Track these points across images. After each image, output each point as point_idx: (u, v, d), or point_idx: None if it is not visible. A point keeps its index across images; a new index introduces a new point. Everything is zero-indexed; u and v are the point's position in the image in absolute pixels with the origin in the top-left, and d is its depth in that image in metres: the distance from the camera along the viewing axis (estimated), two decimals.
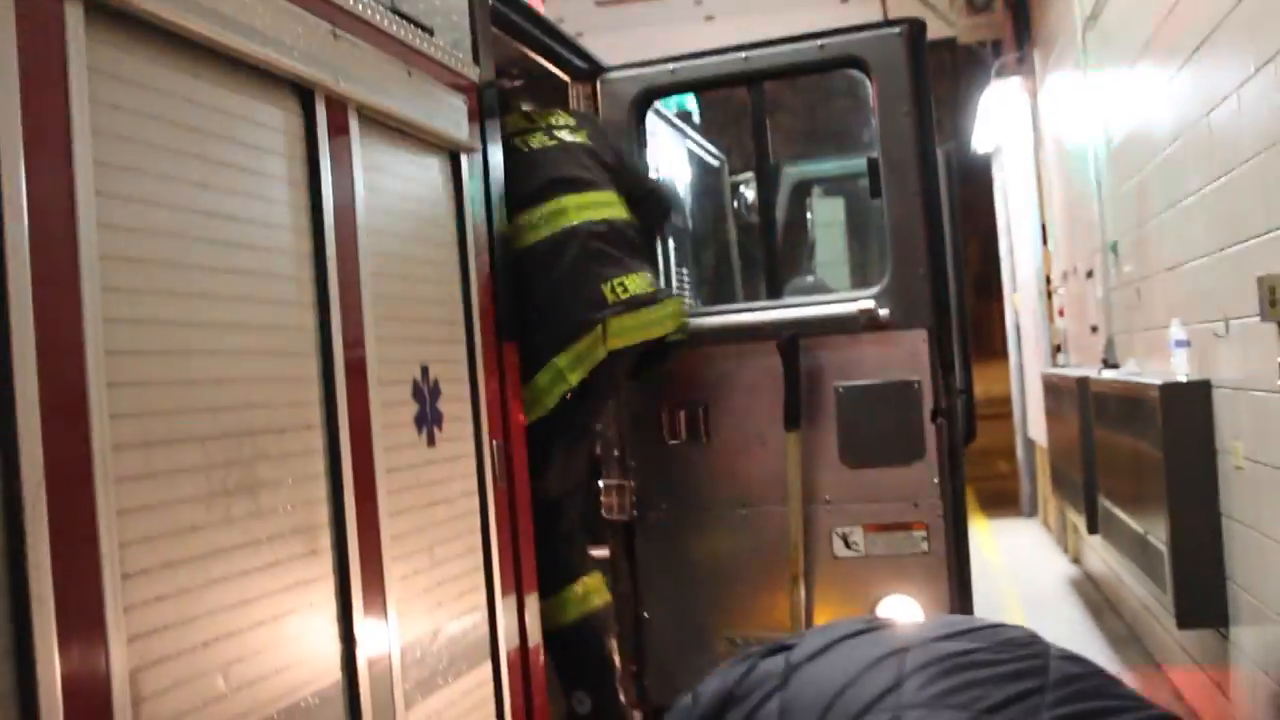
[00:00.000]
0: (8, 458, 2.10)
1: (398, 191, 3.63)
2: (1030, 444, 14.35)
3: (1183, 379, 5.91)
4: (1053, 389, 10.17)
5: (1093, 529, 8.16)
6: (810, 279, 7.74)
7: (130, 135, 2.50)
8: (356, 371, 3.21)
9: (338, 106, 3.24)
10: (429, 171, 3.87)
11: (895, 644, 1.75)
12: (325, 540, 3.04)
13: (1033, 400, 13.20)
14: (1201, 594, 5.70)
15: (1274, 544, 4.94)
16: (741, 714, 1.76)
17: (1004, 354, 15.76)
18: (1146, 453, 6.22)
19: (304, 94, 3.10)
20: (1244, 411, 5.29)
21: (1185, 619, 5.80)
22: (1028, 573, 11.30)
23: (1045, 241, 11.97)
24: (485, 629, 3.91)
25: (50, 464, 2.15)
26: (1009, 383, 15.42)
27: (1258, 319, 4.80)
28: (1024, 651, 1.75)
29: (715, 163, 8.12)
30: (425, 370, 3.67)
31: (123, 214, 2.46)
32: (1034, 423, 13.21)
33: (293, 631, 2.90)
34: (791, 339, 5.35)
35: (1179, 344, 6.08)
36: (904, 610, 5.18)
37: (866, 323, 5.35)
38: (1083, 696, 1.63)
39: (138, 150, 2.53)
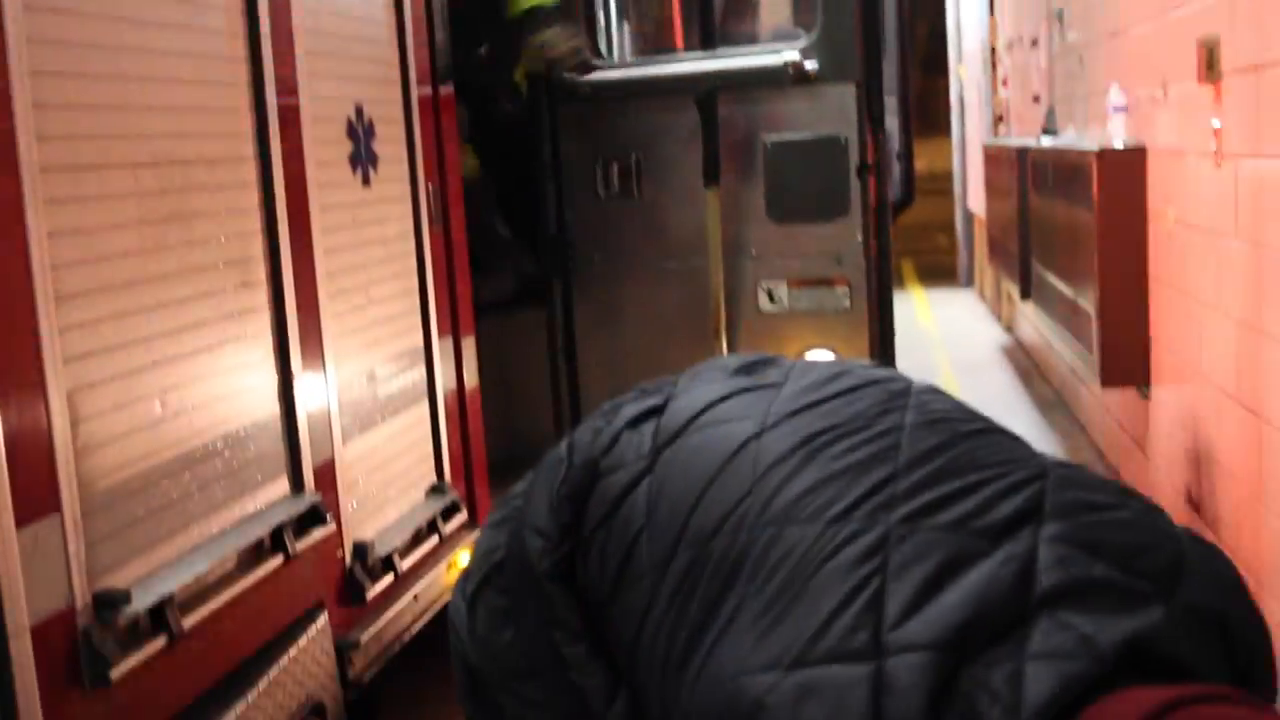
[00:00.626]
0: None
1: None
2: (969, 216, 14.45)
3: (1119, 145, 5.95)
4: (993, 160, 10.21)
5: (1026, 294, 8.30)
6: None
7: None
8: (289, 107, 3.19)
9: None
10: None
11: (756, 422, 1.66)
12: (260, 273, 3.05)
13: (973, 173, 13.23)
14: (1126, 354, 5.84)
15: (1198, 305, 5.05)
16: (612, 494, 1.67)
17: (948, 130, 15.73)
18: (1081, 218, 6.30)
19: None
20: (1176, 175, 5.35)
21: (1110, 378, 5.95)
22: (962, 340, 11.51)
23: (991, 10, 11.86)
24: (422, 369, 3.95)
25: None
26: (950, 161, 15.44)
27: (1193, 82, 4.83)
28: (880, 425, 1.60)
29: None
30: (360, 110, 3.64)
31: None
32: (974, 195, 13.25)
33: (229, 362, 2.94)
34: (709, 93, 5.29)
35: (1117, 109, 6.10)
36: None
37: (794, 76, 5.24)
38: (936, 478, 1.46)
39: None
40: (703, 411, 1.70)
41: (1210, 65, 4.72)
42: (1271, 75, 4.18)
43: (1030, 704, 1.22)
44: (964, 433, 1.56)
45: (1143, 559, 1.35)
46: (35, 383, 2.29)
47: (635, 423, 1.74)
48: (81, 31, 2.50)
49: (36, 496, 2.27)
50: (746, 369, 1.81)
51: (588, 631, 1.68)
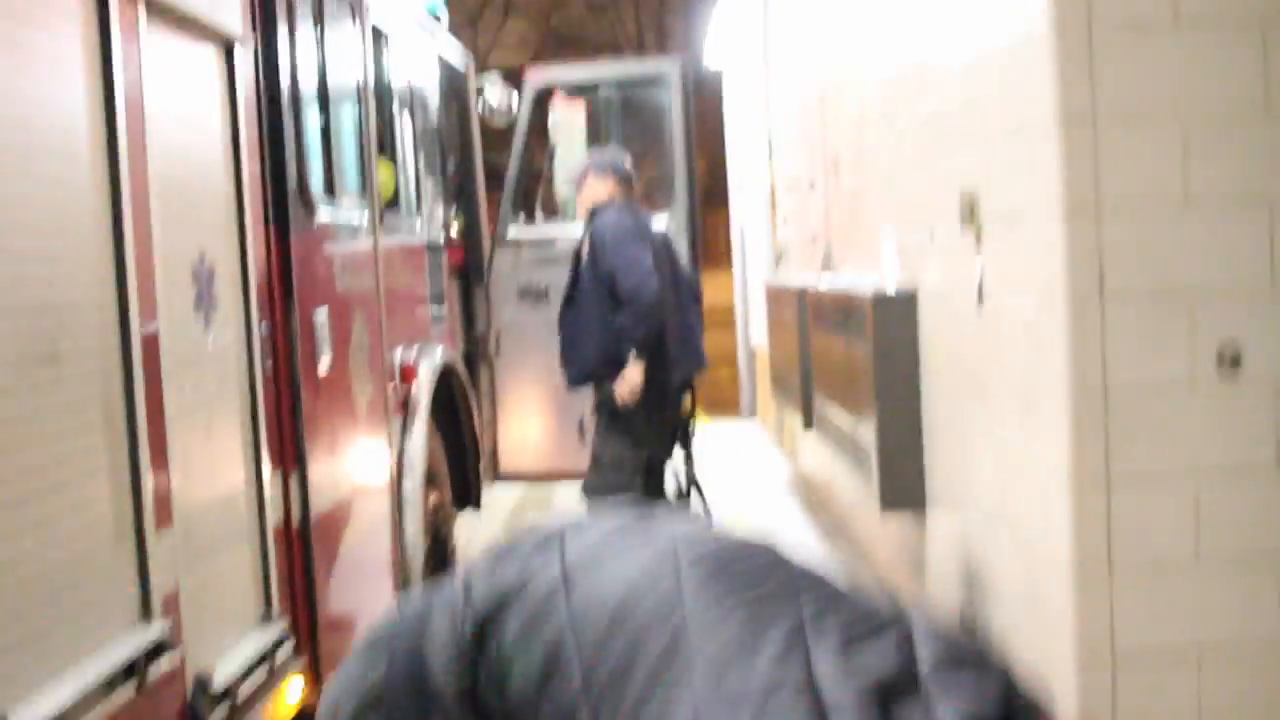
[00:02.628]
0: None
1: (178, 81, 3.79)
2: (751, 351, 15.01)
3: (891, 291, 6.44)
4: (775, 296, 10.74)
5: (808, 425, 8.75)
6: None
7: None
8: (144, 255, 3.40)
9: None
10: (206, 62, 4.03)
11: (664, 544, 1.95)
12: (117, 411, 3.23)
13: (755, 307, 13.80)
14: (903, 481, 6.27)
15: (965, 433, 5.52)
16: (525, 615, 1.84)
17: (728, 266, 16.35)
18: (858, 357, 6.77)
19: None
20: (944, 319, 5.84)
21: (888, 502, 6.37)
22: (746, 469, 11.93)
23: (770, 155, 12.51)
24: (255, 501, 4.14)
25: None
26: (732, 294, 16.04)
27: (958, 230, 5.33)
28: (770, 554, 2.02)
29: (461, 67, 8.33)
30: (202, 255, 3.86)
31: None
32: (756, 329, 13.81)
33: (83, 494, 3.11)
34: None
35: (890, 255, 6.62)
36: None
37: None
38: (825, 588, 1.90)
39: None
40: (609, 535, 1.97)
41: (971, 214, 5.23)
42: (1022, 225, 4.69)
43: None
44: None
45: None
46: None
47: (539, 549, 1.97)
48: None
49: None
50: (626, 514, 2.09)
51: None
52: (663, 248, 7.27)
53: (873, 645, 1.76)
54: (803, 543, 8.96)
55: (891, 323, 6.38)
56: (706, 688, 1.68)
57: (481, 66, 9.31)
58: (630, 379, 6.79)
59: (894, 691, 1.68)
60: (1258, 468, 4.39)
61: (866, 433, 6.59)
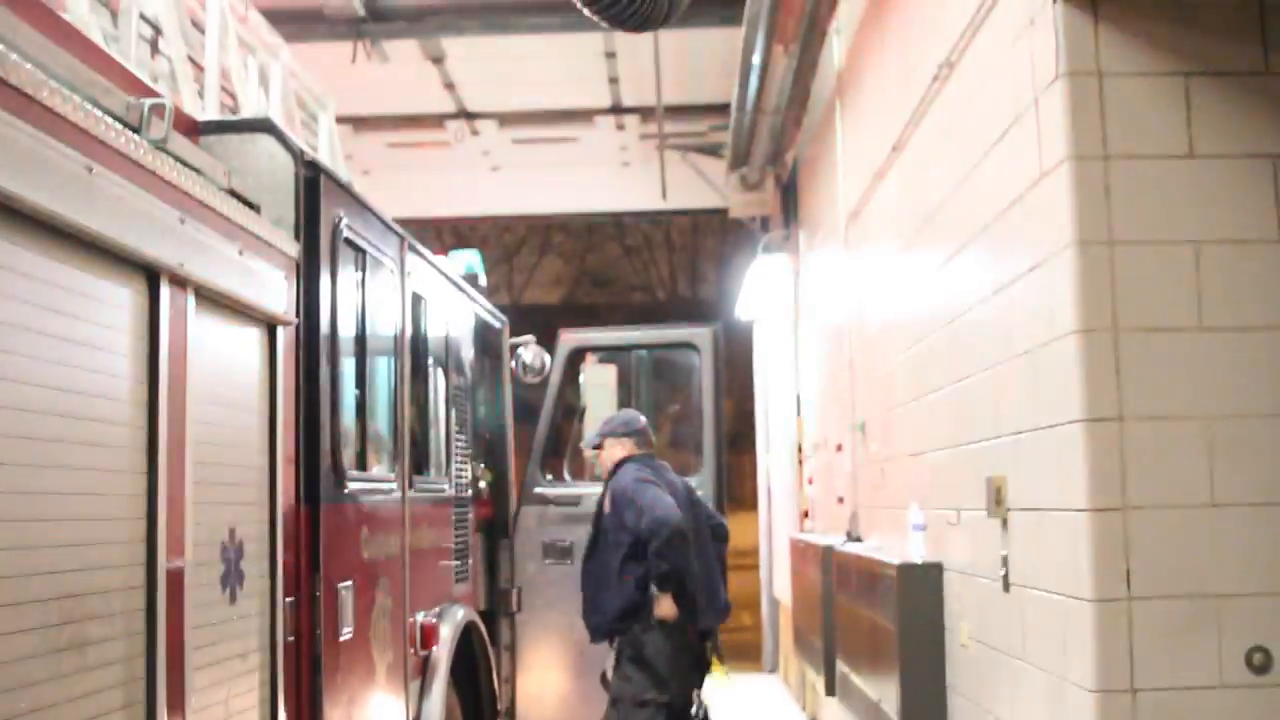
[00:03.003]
0: None
1: (221, 362, 3.90)
2: (775, 601, 14.88)
3: (918, 561, 6.44)
4: (799, 552, 10.71)
5: (830, 691, 8.64)
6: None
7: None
8: (176, 536, 3.45)
9: (179, 287, 3.52)
10: (249, 343, 4.14)
11: None
12: (140, 693, 3.24)
13: (779, 560, 13.74)
14: None
15: (990, 716, 5.44)
16: None
17: (754, 507, 16.35)
18: (882, 625, 6.73)
19: (151, 276, 3.37)
20: (970, 595, 5.82)
21: None
22: None
23: (799, 411, 12.60)
24: None
25: None
26: (757, 536, 15.99)
27: (984, 513, 5.35)
28: None
29: (497, 325, 8.51)
30: (233, 532, 3.91)
31: None
32: (779, 582, 13.73)
33: None
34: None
35: (916, 527, 6.62)
36: None
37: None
38: None
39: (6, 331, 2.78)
40: None
41: (998, 502, 5.25)
42: (1049, 517, 4.71)
43: None
44: None
45: None
46: None
47: None
48: (7, 480, 2.77)
49: None
50: None
51: None
52: (684, 494, 7.42)
53: None
54: None
55: (917, 593, 6.36)
56: None
57: (515, 302, 9.50)
58: (664, 608, 6.95)
59: None
60: None
61: (890, 707, 6.51)
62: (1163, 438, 4.41)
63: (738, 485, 24.44)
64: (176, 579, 3.44)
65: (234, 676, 3.90)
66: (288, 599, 4.28)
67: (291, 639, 4.32)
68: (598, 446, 7.56)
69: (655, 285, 40.62)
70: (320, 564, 4.54)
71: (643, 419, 7.69)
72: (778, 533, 14.24)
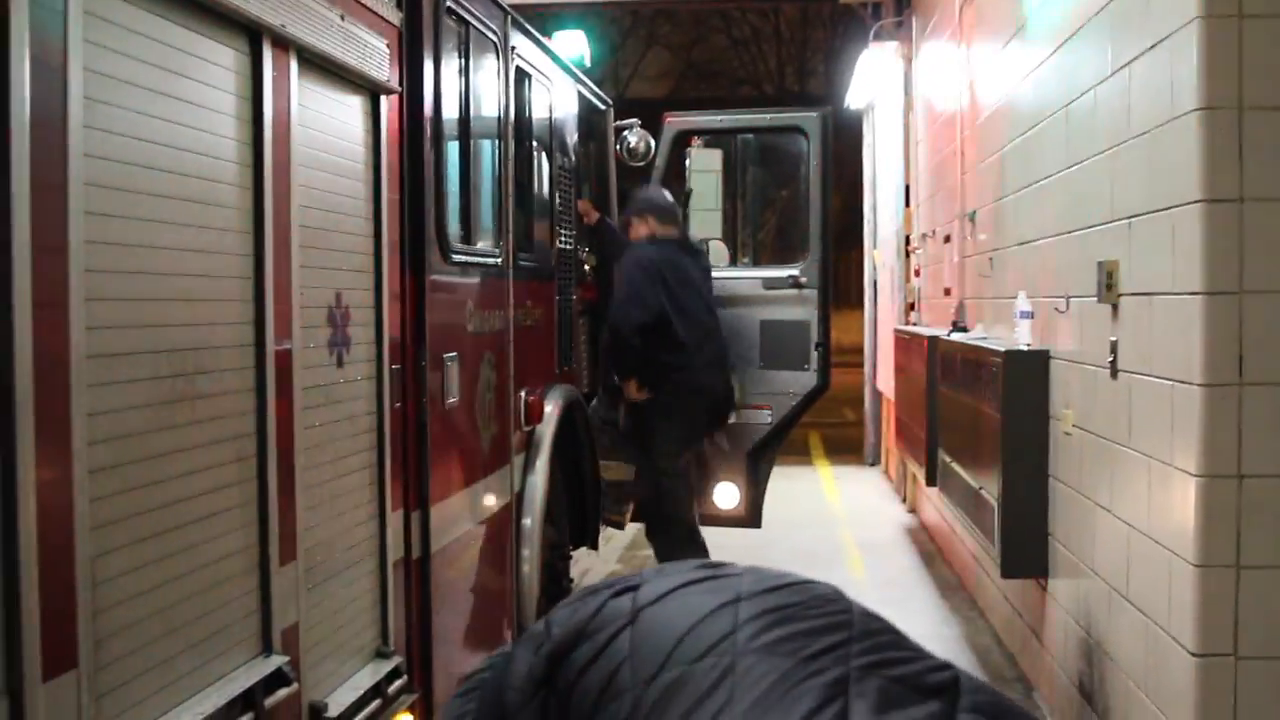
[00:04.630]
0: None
1: (326, 127, 3.89)
2: (878, 395, 14.91)
3: (1024, 348, 6.38)
4: (904, 345, 10.68)
5: (931, 482, 8.68)
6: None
7: (113, 73, 2.76)
8: (283, 296, 3.49)
9: (281, 48, 3.50)
10: (353, 110, 4.13)
11: (729, 594, 2.04)
12: (250, 448, 3.33)
13: (884, 354, 13.72)
14: (1026, 547, 6.20)
15: (1091, 505, 5.43)
16: (593, 649, 1.92)
17: (860, 305, 16.28)
18: (986, 413, 6.71)
19: (253, 37, 3.36)
20: (1076, 383, 5.77)
21: (1009, 569, 6.30)
22: (867, 519, 11.86)
23: (908, 202, 12.44)
24: (375, 538, 4.21)
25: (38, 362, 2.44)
26: (862, 333, 15.97)
27: (1095, 299, 5.27)
28: (833, 606, 2.04)
29: (602, 107, 8.42)
30: (339, 297, 3.95)
31: (106, 146, 2.72)
32: (883, 375, 13.73)
33: (220, 527, 3.20)
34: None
35: (1023, 315, 6.55)
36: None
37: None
38: (880, 648, 1.93)
39: (118, 87, 2.79)
40: (680, 587, 2.04)
41: (1109, 287, 5.16)
42: (1161, 302, 4.62)
43: None
44: (892, 626, 1.97)
45: None
46: (65, 545, 2.55)
47: (616, 594, 2.07)
48: (126, 233, 2.81)
49: (60, 655, 2.51)
50: (705, 566, 2.16)
51: None
52: (699, 280, 7.92)
53: (912, 711, 1.83)
54: (918, 597, 8.89)
55: (1023, 381, 6.31)
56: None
57: (621, 96, 9.41)
58: (630, 392, 7.69)
59: None
60: None
61: (990, 494, 6.53)
62: None
63: (844, 283, 24.36)
64: (284, 334, 3.49)
65: (342, 438, 3.97)
66: (394, 366, 4.34)
67: (398, 405, 4.39)
68: (627, 224, 7.88)
69: (763, 79, 40.01)
70: (426, 334, 4.58)
71: (667, 197, 8.04)
72: (883, 326, 14.18)
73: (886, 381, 12.96)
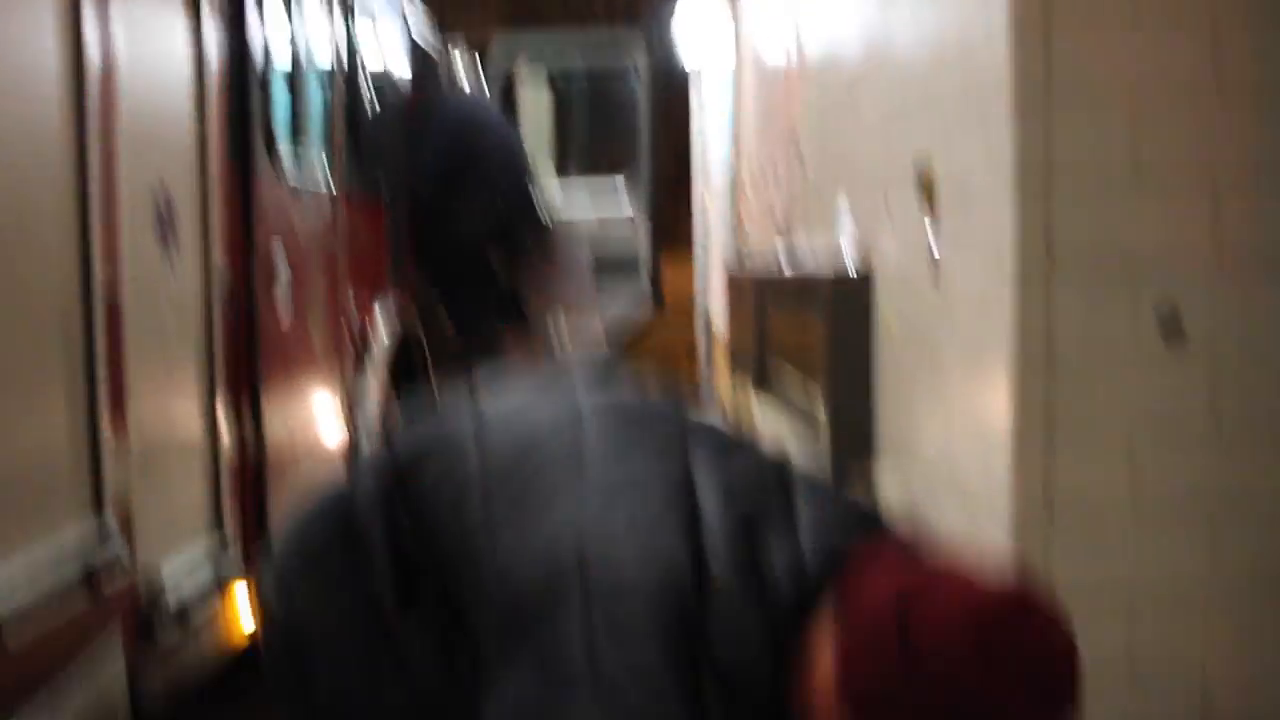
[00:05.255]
0: None
1: (147, 30, 3.84)
2: (711, 337, 15.05)
3: (851, 272, 6.53)
4: (735, 285, 10.82)
5: (760, 384, 8.85)
6: None
7: None
8: (109, 176, 3.45)
9: None
10: (175, 14, 4.08)
11: (570, 397, 2.10)
12: (77, 320, 3.28)
13: (715, 296, 13.84)
14: (852, 439, 6.39)
15: (912, 399, 5.63)
16: (442, 463, 1.99)
17: (689, 250, 16.39)
18: (814, 330, 6.89)
19: None
20: (899, 290, 5.94)
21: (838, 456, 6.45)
22: None
23: (737, 145, 12.55)
24: (208, 426, 4.19)
25: None
26: (693, 281, 16.08)
27: (914, 196, 5.43)
28: (663, 404, 2.18)
29: (428, 39, 8.39)
30: (163, 182, 3.91)
31: None
32: (716, 317, 13.84)
33: (44, 411, 3.15)
34: None
35: (845, 223, 6.71)
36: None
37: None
38: (714, 436, 2.01)
39: None
40: (522, 391, 2.09)
41: (927, 191, 5.32)
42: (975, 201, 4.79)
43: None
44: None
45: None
46: None
47: (458, 406, 2.12)
48: None
49: None
50: (549, 374, 2.22)
51: (401, 573, 1.98)
52: None
53: (748, 453, 1.97)
54: None
55: (848, 303, 6.49)
56: (594, 491, 1.88)
57: (447, 33, 9.42)
58: None
59: (763, 514, 1.85)
60: (1194, 431, 4.51)
61: (817, 400, 6.69)
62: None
63: (678, 229, 24.44)
64: (111, 214, 3.46)
65: (169, 325, 3.95)
66: (221, 261, 4.31)
67: (227, 295, 4.36)
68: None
69: (590, 25, 39.71)
70: (253, 230, 4.56)
71: None
72: (715, 270, 14.32)
73: (719, 322, 13.08)
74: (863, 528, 1.89)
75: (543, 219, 7.74)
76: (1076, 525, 4.46)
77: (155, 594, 3.63)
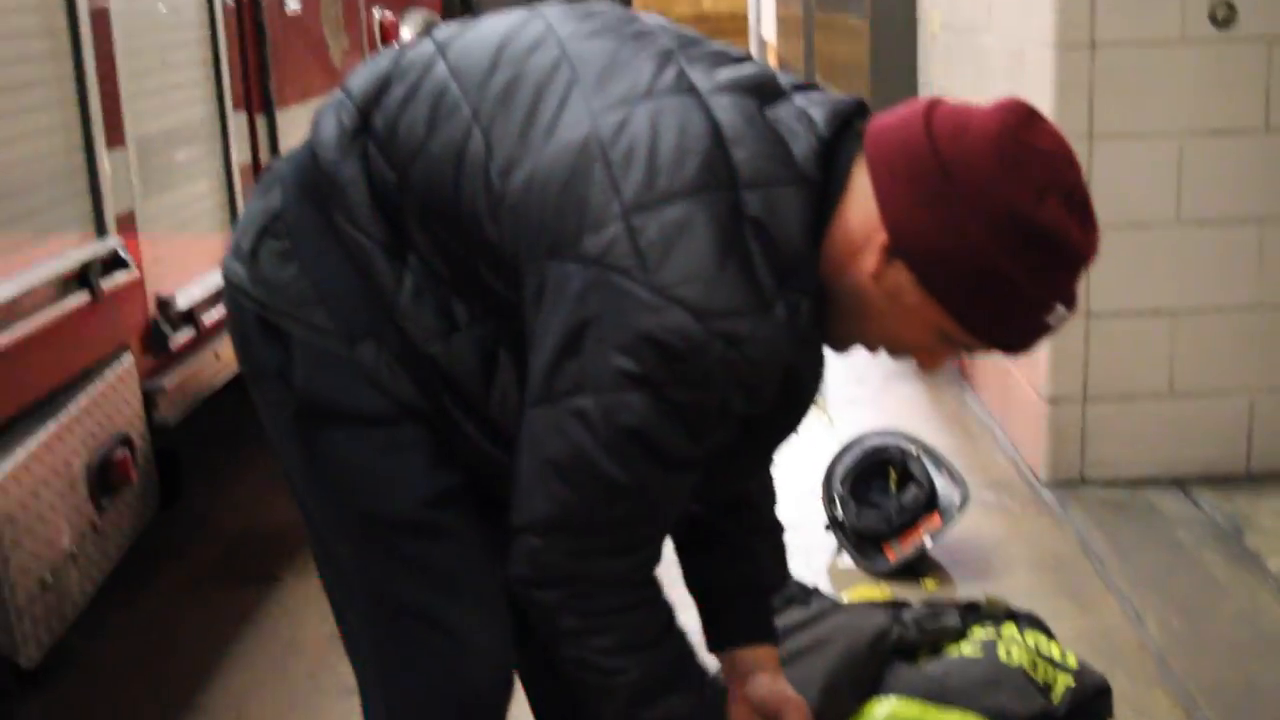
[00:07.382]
0: None
1: None
2: (763, 44, 14.83)
3: None
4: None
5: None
6: None
7: None
8: None
9: None
10: None
11: (529, 10, 1.96)
12: (64, 40, 3.13)
13: (767, 9, 13.72)
14: None
15: (953, 90, 5.46)
16: (407, 86, 1.89)
17: None
18: (858, 32, 6.84)
19: None
20: None
21: None
22: None
23: None
24: (218, 140, 4.06)
25: None
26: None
27: None
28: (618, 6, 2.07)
29: None
30: None
31: None
32: (767, 28, 13.73)
33: (34, 120, 3.05)
34: None
35: None
36: None
37: None
38: (681, 31, 1.93)
39: None
40: (474, 24, 1.97)
41: None
42: None
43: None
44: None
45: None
46: None
47: (410, 43, 2.00)
48: None
49: None
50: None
51: (376, 222, 1.90)
52: None
53: (740, 66, 1.85)
54: None
55: (890, 3, 6.41)
56: (595, 91, 1.78)
57: None
58: None
59: (765, 92, 1.80)
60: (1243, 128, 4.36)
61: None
62: None
63: None
64: None
65: (168, 33, 3.80)
66: None
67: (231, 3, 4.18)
68: None
69: None
70: None
71: None
72: None
73: (770, 30, 12.90)
74: (861, 107, 1.84)
75: None
76: (1118, 235, 4.33)
77: (166, 304, 3.55)
